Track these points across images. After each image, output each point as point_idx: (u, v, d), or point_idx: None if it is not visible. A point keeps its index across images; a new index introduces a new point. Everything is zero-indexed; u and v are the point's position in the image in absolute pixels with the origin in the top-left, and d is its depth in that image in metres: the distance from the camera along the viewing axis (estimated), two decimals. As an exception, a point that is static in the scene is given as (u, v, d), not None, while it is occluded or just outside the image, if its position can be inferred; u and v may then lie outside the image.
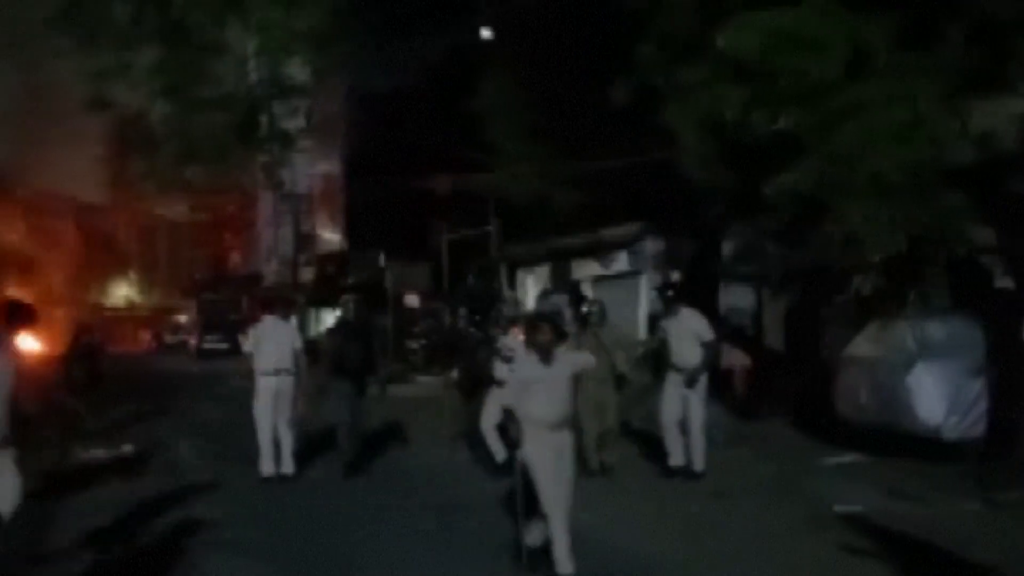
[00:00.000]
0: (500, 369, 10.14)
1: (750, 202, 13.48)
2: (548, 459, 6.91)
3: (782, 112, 9.75)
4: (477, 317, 13.72)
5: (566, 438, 7.10)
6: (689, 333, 10.49)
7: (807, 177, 10.03)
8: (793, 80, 9.36)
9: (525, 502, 7.12)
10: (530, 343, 7.18)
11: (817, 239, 12.43)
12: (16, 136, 67.65)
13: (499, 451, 10.75)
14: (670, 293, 11.19)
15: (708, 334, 10.48)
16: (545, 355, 7.01)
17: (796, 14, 9.11)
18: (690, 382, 10.33)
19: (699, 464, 10.44)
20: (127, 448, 13.72)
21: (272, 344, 11.31)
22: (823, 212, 10.99)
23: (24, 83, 72.44)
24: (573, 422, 7.34)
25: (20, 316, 7.64)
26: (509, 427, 9.57)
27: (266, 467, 11.14)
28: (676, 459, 10.53)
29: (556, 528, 6.82)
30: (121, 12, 17.40)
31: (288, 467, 11.24)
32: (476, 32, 27.81)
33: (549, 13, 22.71)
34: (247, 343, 12.09)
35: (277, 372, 11.16)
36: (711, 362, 10.77)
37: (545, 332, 7.04)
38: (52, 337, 52.86)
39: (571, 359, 7.38)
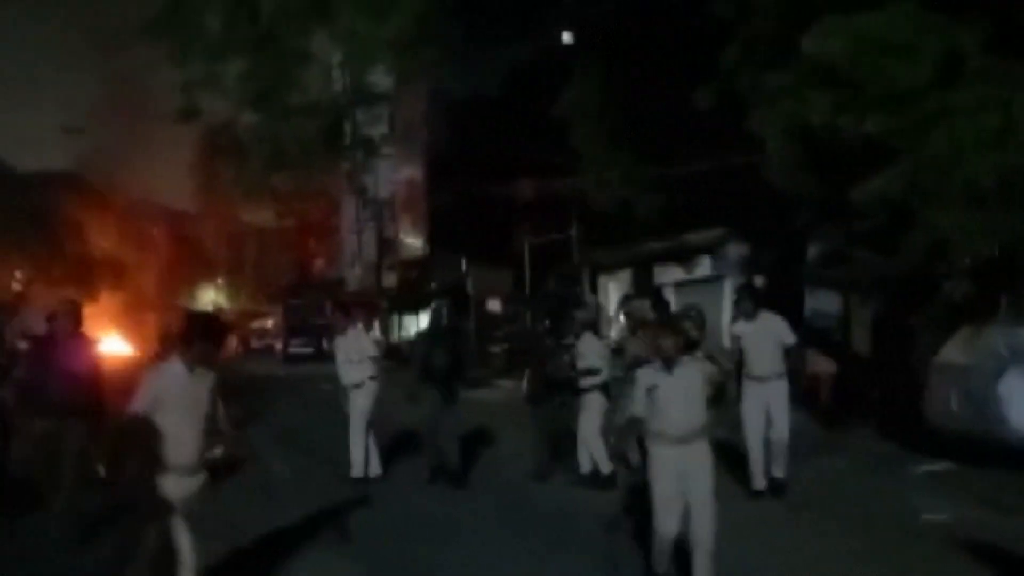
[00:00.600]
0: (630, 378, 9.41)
1: (837, 207, 13.35)
2: (668, 477, 6.47)
3: (870, 117, 9.60)
4: (548, 322, 12.84)
5: (697, 453, 6.53)
6: (769, 338, 9.77)
7: (896, 183, 9.88)
8: (881, 85, 9.22)
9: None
10: (655, 348, 6.64)
11: (906, 244, 12.17)
12: (109, 146, 69.51)
13: (604, 460, 10.57)
14: (747, 294, 10.46)
15: (790, 337, 9.80)
16: (669, 361, 6.50)
17: (884, 19, 8.98)
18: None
19: (781, 471, 9.93)
20: (217, 451, 13.98)
21: (354, 355, 11.60)
22: (912, 217, 10.80)
23: (116, 95, 74.32)
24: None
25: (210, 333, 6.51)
26: (607, 440, 9.70)
27: (356, 469, 11.29)
28: (758, 483, 9.86)
29: (698, 559, 6.43)
30: (212, 23, 17.80)
31: (376, 469, 11.44)
32: (559, 37, 27.84)
33: (633, 17, 22.63)
34: (338, 354, 11.99)
35: (359, 385, 11.48)
36: (796, 368, 10.17)
37: (673, 335, 6.60)
38: (142, 340, 54.22)
39: (699, 365, 6.72)
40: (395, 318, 44.90)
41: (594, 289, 28.49)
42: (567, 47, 27.49)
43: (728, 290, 21.02)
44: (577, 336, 11.17)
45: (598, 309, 26.90)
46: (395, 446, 12.49)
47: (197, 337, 6.28)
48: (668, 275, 24.26)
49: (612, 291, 28.10)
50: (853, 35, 9.10)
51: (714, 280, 22.02)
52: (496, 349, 29.16)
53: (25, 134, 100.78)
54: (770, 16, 11.46)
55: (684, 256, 23.09)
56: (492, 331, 30.59)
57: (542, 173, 25.92)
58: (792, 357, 9.91)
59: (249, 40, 17.40)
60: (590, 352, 10.91)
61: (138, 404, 6.02)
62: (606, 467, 10.56)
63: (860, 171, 10.55)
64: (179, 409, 6.10)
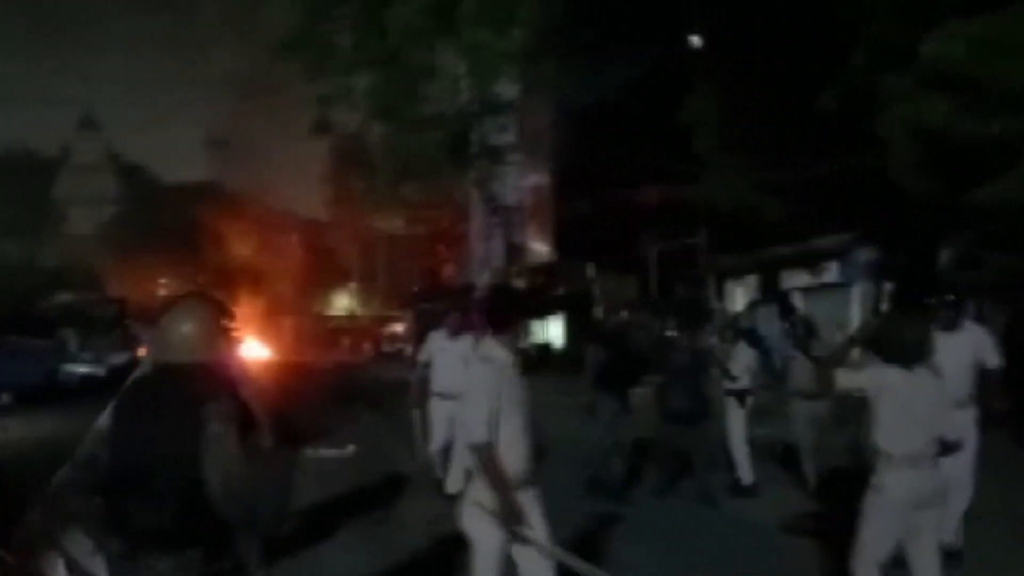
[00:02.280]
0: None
1: (968, 209, 13.12)
2: (894, 508, 5.29)
3: (994, 120, 9.48)
4: (671, 331, 12.25)
5: (931, 481, 5.34)
6: (968, 354, 7.66)
7: (1020, 184, 9.72)
8: (1004, 87, 9.11)
9: None
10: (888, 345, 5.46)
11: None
12: (246, 160, 71.69)
13: (747, 472, 10.47)
14: (948, 301, 8.02)
15: (995, 358, 7.71)
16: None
17: (1006, 21, 8.87)
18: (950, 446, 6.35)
19: (952, 534, 7.94)
20: (351, 448, 14.62)
21: (438, 364, 10.57)
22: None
23: (252, 111, 76.70)
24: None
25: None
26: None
27: (446, 480, 10.17)
28: None
29: None
30: (344, 40, 18.46)
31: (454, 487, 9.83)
32: (684, 42, 27.76)
33: (757, 20, 22.49)
34: (420, 355, 11.16)
35: (438, 395, 10.40)
36: (988, 395, 7.73)
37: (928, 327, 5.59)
38: (281, 344, 55.76)
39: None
40: (523, 324, 45.28)
41: (720, 295, 28.33)
42: (692, 52, 27.43)
43: (856, 296, 20.74)
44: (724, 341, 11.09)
45: (724, 315, 26.80)
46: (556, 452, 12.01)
47: (514, 313, 5.33)
48: (795, 280, 24.01)
49: (739, 297, 27.93)
50: (974, 38, 9.01)
51: (842, 286, 21.70)
52: (593, 350, 29.16)
53: (170, 148, 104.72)
54: (891, 19, 11.36)
55: (811, 261, 22.83)
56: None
57: (668, 178, 25.86)
58: (988, 382, 7.74)
59: (378, 56, 17.99)
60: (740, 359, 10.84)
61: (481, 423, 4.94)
62: (748, 478, 10.45)
63: (985, 173, 10.38)
64: (511, 407, 4.99)
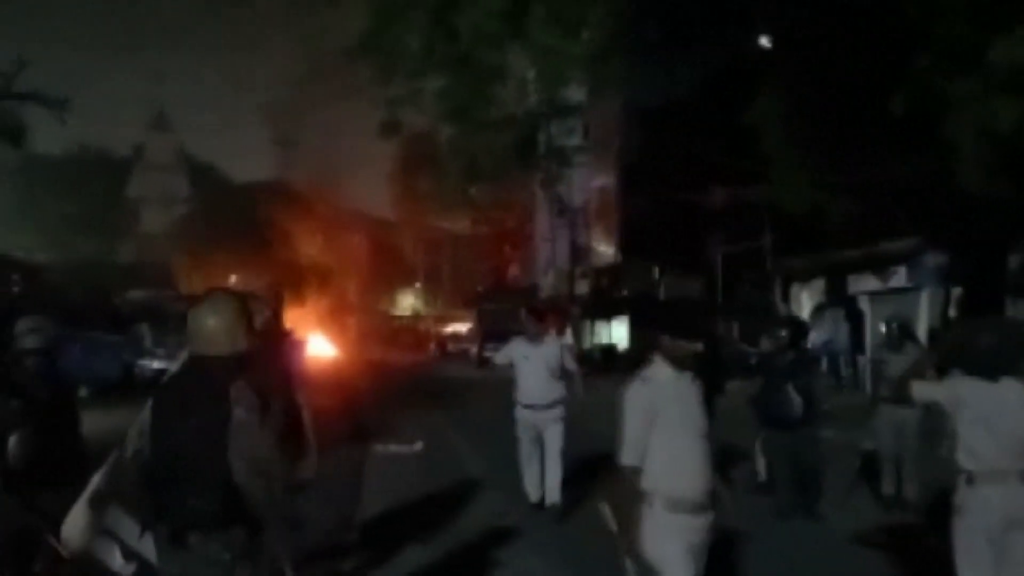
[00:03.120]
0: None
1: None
2: (979, 531, 4.76)
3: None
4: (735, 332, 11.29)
5: (1020, 499, 4.74)
6: None
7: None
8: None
9: None
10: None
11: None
12: (315, 161, 72.47)
13: (764, 469, 10.22)
14: None
15: None
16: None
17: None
18: None
19: None
20: (418, 445, 14.91)
21: (523, 372, 9.78)
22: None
23: (321, 112, 77.58)
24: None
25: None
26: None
27: (533, 494, 9.74)
28: None
29: None
30: (413, 43, 18.71)
31: (554, 496, 9.54)
32: (752, 42, 27.62)
33: (827, 22, 22.34)
34: (498, 356, 10.57)
35: (528, 406, 9.69)
36: None
37: None
38: (347, 343, 56.36)
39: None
40: (587, 325, 45.41)
41: (786, 298, 28.21)
42: (760, 52, 27.29)
43: (925, 300, 20.56)
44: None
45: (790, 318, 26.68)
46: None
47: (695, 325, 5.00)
48: (862, 285, 23.86)
49: (805, 300, 27.80)
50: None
51: (911, 290, 21.52)
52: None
53: (241, 147, 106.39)
54: (960, 21, 11.31)
55: (879, 265, 22.65)
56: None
57: (734, 179, 25.81)
58: None
59: (447, 58, 18.21)
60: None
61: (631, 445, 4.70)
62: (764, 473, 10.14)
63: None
64: (675, 427, 4.69)
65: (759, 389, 9.71)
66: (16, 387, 5.84)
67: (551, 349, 9.81)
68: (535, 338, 9.81)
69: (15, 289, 32.88)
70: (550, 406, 9.57)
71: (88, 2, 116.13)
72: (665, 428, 4.60)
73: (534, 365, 9.63)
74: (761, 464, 10.23)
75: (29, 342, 5.95)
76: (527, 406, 9.66)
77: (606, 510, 4.85)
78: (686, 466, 4.64)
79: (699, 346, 4.86)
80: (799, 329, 10.39)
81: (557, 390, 9.68)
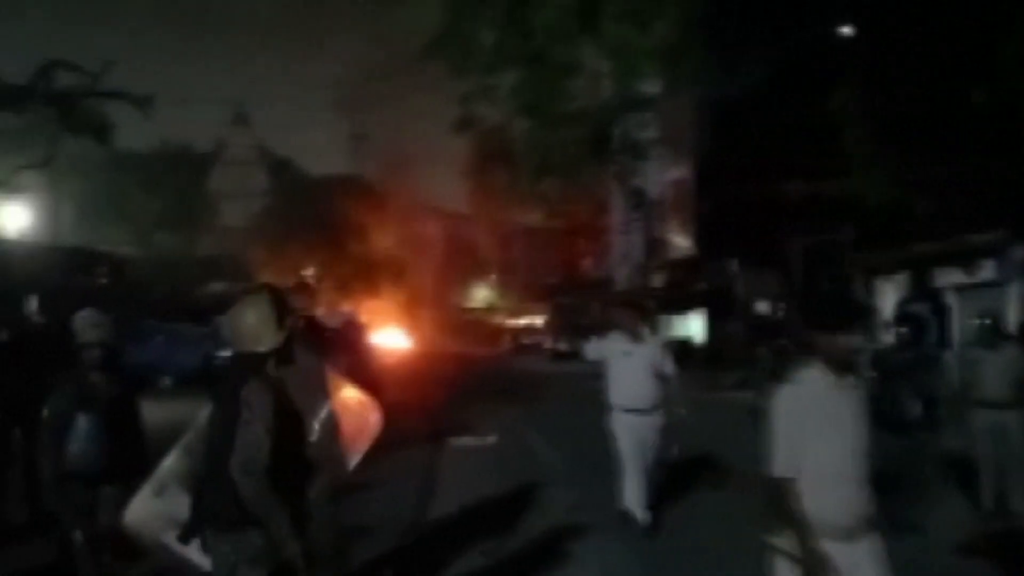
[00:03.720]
0: None
1: None
2: None
3: None
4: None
5: None
6: None
7: None
8: None
9: None
10: None
11: None
12: (389, 156, 72.90)
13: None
14: None
15: None
16: None
17: None
18: None
19: None
20: (491, 438, 14.96)
21: (622, 372, 8.88)
22: None
23: (396, 106, 78.14)
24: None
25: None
26: None
27: (641, 516, 8.69)
28: None
29: None
30: (487, 39, 18.78)
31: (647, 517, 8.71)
32: (831, 32, 27.17)
33: (911, 11, 21.84)
34: (591, 349, 9.75)
35: (630, 411, 8.74)
36: None
37: None
38: (421, 336, 56.74)
39: None
40: (662, 319, 45.09)
41: (868, 292, 27.67)
42: (839, 42, 26.82)
43: (1014, 295, 20.02)
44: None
45: (873, 313, 26.19)
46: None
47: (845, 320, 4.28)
48: (948, 278, 23.30)
49: (887, 294, 27.24)
50: None
51: (998, 285, 20.96)
52: (764, 351, 28.82)
53: (317, 142, 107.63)
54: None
55: (964, 259, 22.09)
56: (760, 332, 30.30)
57: (813, 173, 25.38)
58: None
59: (521, 54, 18.22)
60: None
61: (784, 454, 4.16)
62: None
63: None
64: (825, 435, 4.14)
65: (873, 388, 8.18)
66: (75, 381, 5.87)
67: (652, 348, 8.95)
68: (635, 335, 8.92)
69: (102, 281, 33.56)
70: (652, 410, 8.71)
71: (170, 2, 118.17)
72: (815, 439, 4.07)
73: (635, 364, 8.72)
74: None
75: (89, 336, 5.93)
76: (629, 410, 8.72)
77: (778, 540, 4.21)
78: (834, 486, 4.08)
79: (861, 342, 4.36)
80: (919, 326, 9.89)
81: (658, 393, 8.76)
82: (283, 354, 4.03)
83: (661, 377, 8.77)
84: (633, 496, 8.68)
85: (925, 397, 8.68)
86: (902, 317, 10.31)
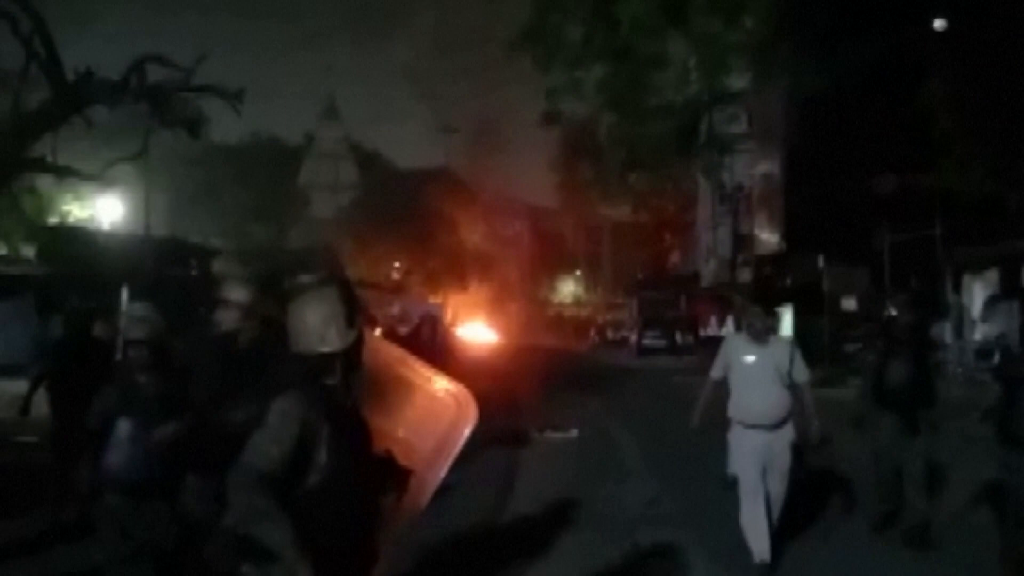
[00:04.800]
0: None
1: None
2: None
3: None
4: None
5: None
6: None
7: None
8: None
9: None
10: None
11: None
12: (477, 149, 73.42)
13: None
14: None
15: None
16: None
17: None
18: None
19: None
20: (574, 432, 15.12)
21: (747, 379, 7.43)
22: None
23: (485, 100, 78.58)
24: None
25: None
26: None
27: (758, 550, 7.22)
28: None
29: None
30: (574, 34, 18.95)
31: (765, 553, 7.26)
32: (924, 26, 26.81)
33: (1002, 4, 21.49)
34: (715, 367, 7.78)
35: (756, 426, 7.32)
36: None
37: None
38: (508, 329, 57.00)
39: None
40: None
41: (957, 289, 27.24)
42: (932, 36, 26.46)
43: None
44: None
45: (961, 310, 25.82)
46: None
47: None
48: (1038, 276, 22.88)
49: (977, 292, 26.81)
50: None
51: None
52: (851, 348, 28.58)
53: (406, 135, 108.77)
54: None
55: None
56: (847, 329, 30.02)
57: (903, 167, 25.10)
58: None
59: (608, 48, 18.35)
60: None
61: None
62: None
63: None
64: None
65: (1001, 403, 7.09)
66: (119, 382, 5.58)
67: (781, 350, 7.53)
68: (760, 336, 7.56)
69: (193, 272, 34.38)
70: (781, 424, 7.33)
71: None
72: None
73: (761, 371, 7.36)
74: None
75: (133, 332, 5.61)
76: (753, 426, 7.33)
77: None
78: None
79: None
80: None
81: (787, 403, 7.37)
82: (351, 358, 3.52)
83: (791, 385, 7.41)
84: (757, 531, 7.27)
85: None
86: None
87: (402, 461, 3.78)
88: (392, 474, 3.71)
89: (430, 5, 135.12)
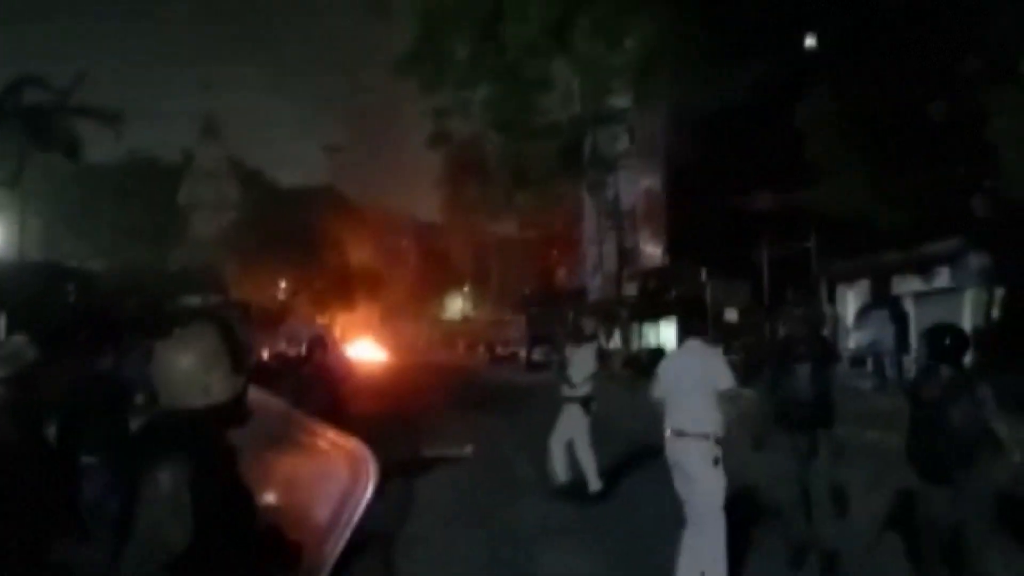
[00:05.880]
0: None
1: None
2: None
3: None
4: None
5: None
6: None
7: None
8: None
9: None
10: None
11: None
12: (363, 166, 73.12)
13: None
14: None
15: None
16: None
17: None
18: None
19: None
20: (468, 448, 15.22)
21: (675, 383, 7.10)
22: None
23: (368, 124, 78.29)
24: None
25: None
26: None
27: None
28: None
29: None
30: (461, 53, 19.15)
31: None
32: (798, 48, 27.64)
33: (876, 25, 22.35)
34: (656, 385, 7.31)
35: (679, 434, 6.86)
36: None
37: None
38: (396, 347, 56.64)
39: None
40: (635, 327, 45.53)
41: (832, 299, 28.26)
42: (806, 57, 27.34)
43: (968, 301, 20.57)
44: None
45: (836, 320, 26.76)
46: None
47: None
48: (907, 286, 23.91)
49: (850, 301, 27.86)
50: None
51: (954, 291, 21.54)
52: (733, 358, 29.36)
53: (290, 154, 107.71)
54: (997, 34, 11.49)
55: (923, 266, 22.70)
56: (730, 340, 30.84)
57: (781, 184, 25.90)
58: None
59: (494, 69, 18.59)
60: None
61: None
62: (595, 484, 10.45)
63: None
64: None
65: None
66: None
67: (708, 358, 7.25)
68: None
69: (70, 299, 33.55)
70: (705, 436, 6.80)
71: (139, 16, 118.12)
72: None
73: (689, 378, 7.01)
74: None
75: None
76: (681, 434, 6.91)
77: None
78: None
79: None
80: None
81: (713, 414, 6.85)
82: (236, 411, 2.91)
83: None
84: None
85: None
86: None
87: (291, 534, 3.10)
88: (279, 551, 3.01)
89: (315, 24, 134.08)
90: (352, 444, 3.70)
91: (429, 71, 19.25)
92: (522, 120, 20.48)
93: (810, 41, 27.57)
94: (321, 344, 11.38)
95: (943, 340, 6.25)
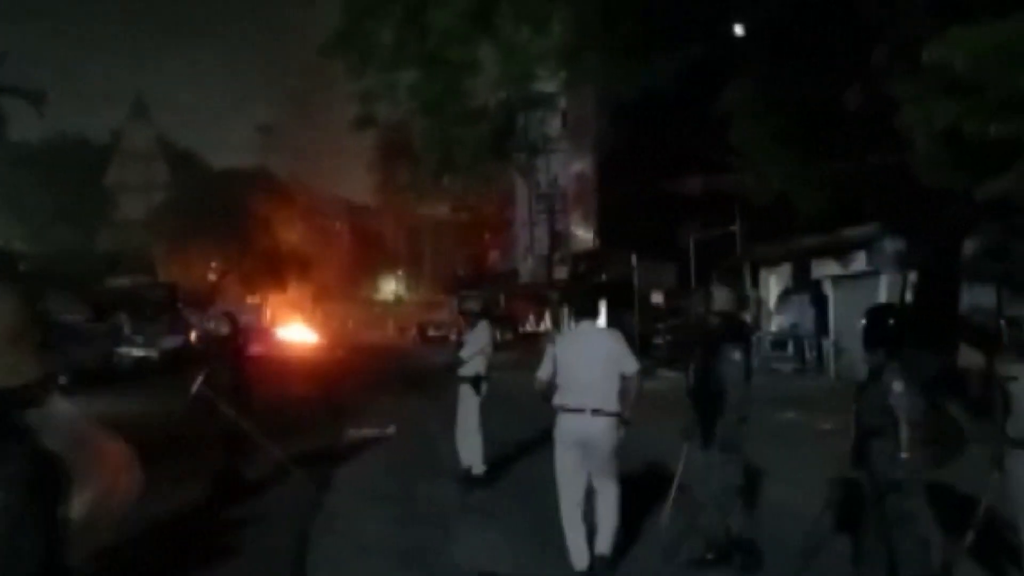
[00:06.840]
0: None
1: (994, 202, 13.57)
2: None
3: (993, 122, 9.92)
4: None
5: None
6: None
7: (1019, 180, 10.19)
8: (1004, 92, 9.56)
9: None
10: None
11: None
12: (294, 149, 72.51)
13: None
14: None
15: None
16: None
17: (1007, 29, 9.31)
18: None
19: None
20: (391, 429, 15.40)
21: (580, 365, 7.03)
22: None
23: (299, 106, 77.62)
24: None
25: None
26: None
27: (576, 559, 6.93)
28: None
29: None
30: (386, 38, 19.13)
31: (605, 547, 6.93)
32: (726, 33, 27.92)
33: (796, 14, 22.70)
34: (545, 363, 7.24)
35: (581, 410, 6.84)
36: None
37: None
38: (328, 329, 56.42)
39: None
40: (566, 311, 45.91)
41: (755, 283, 28.76)
42: (733, 45, 27.64)
43: (884, 285, 21.08)
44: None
45: (759, 303, 27.28)
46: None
47: None
48: (825, 270, 24.44)
49: (773, 285, 28.39)
50: (974, 45, 9.47)
51: (870, 275, 22.08)
52: (659, 340, 29.83)
53: (220, 133, 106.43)
54: (911, 22, 11.82)
55: (840, 251, 23.22)
56: (655, 323, 31.33)
57: (708, 169, 26.23)
58: None
59: (419, 54, 18.64)
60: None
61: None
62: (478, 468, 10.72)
63: (992, 170, 10.85)
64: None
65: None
66: None
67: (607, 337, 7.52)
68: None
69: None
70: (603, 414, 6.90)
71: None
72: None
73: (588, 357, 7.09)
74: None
75: None
76: (572, 410, 6.98)
77: None
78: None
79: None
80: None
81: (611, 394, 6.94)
82: (39, 391, 2.49)
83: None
84: (574, 541, 7.02)
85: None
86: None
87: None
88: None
89: (244, 5, 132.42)
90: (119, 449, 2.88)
91: (353, 56, 19.27)
92: (447, 105, 20.53)
93: (738, 29, 27.86)
94: (232, 323, 11.43)
95: (884, 322, 6.23)
